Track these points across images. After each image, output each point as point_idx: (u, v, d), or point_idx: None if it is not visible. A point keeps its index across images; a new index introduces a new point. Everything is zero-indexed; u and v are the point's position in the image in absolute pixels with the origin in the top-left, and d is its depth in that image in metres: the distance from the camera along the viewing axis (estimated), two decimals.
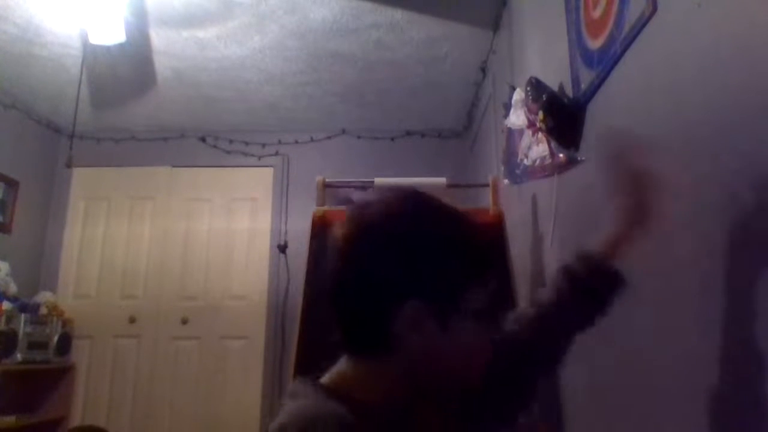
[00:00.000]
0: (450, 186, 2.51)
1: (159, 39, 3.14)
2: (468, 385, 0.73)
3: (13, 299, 3.54)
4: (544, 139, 1.65)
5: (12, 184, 3.91)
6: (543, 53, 2.03)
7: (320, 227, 2.09)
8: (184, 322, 4.05)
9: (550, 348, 0.90)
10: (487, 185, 2.41)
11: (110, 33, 2.65)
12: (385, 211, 0.70)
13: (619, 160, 0.88)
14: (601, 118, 1.44)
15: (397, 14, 2.92)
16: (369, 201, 0.73)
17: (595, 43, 1.42)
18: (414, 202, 0.72)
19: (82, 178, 4.30)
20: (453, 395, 0.77)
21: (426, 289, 0.66)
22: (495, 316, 0.72)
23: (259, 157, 4.34)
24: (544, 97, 1.61)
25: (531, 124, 1.72)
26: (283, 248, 4.03)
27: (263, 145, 4.35)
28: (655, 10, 1.10)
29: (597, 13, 1.40)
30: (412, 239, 0.68)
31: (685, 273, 1.00)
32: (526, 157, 1.77)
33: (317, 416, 0.64)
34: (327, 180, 2.35)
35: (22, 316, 3.44)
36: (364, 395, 0.69)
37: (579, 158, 1.53)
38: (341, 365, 0.73)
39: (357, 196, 0.76)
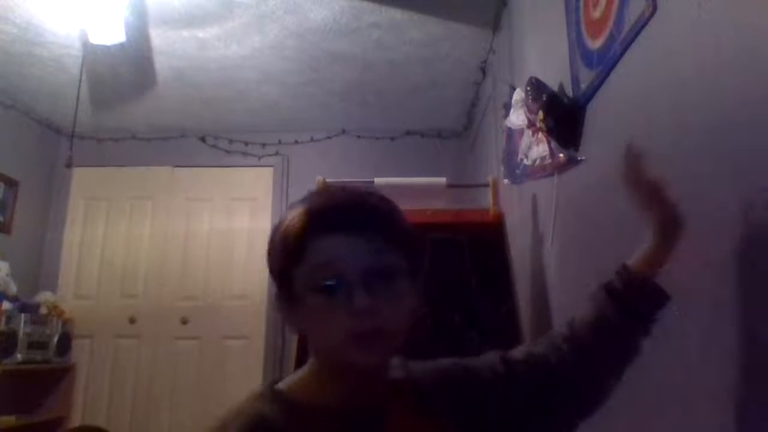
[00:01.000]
0: (450, 186, 2.52)
1: (159, 39, 3.13)
2: (351, 364, 0.70)
3: (13, 299, 3.54)
4: (544, 139, 1.64)
5: (12, 184, 3.91)
6: (543, 53, 2.03)
7: None
8: (184, 322, 4.05)
9: (587, 374, 0.83)
10: (487, 185, 2.41)
11: (110, 33, 2.65)
12: None
13: (643, 174, 0.83)
14: (601, 118, 1.44)
15: (397, 14, 2.92)
16: None
17: (595, 43, 1.42)
18: (293, 203, 0.77)
19: (82, 178, 4.30)
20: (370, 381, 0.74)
21: (275, 282, 0.75)
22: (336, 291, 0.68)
23: (259, 157, 4.34)
24: (544, 97, 1.61)
25: (531, 124, 1.72)
26: None
27: (263, 145, 4.35)
28: (655, 10, 1.10)
29: (597, 13, 1.40)
30: (268, 241, 0.76)
31: (685, 273, 1.00)
32: (526, 157, 1.77)
33: (238, 416, 0.71)
34: (327, 180, 2.35)
35: (22, 316, 3.44)
36: (312, 397, 0.73)
37: (579, 158, 1.53)
38: (303, 366, 0.78)
39: None
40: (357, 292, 0.67)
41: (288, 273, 0.71)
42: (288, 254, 0.71)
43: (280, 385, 0.76)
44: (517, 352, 0.86)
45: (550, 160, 1.63)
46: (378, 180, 2.36)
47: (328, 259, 0.69)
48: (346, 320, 0.67)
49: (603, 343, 0.83)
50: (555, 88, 1.68)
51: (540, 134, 1.66)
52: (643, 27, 1.15)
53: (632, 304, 0.82)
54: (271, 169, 4.34)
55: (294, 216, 0.72)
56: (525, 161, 1.78)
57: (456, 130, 4.31)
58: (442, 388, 0.79)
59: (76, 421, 3.83)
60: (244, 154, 4.35)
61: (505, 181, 2.12)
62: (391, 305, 0.69)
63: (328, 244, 0.70)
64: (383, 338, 0.69)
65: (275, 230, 0.75)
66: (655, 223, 0.84)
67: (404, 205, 0.78)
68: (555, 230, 1.80)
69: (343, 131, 4.34)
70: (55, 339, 3.68)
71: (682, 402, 1.01)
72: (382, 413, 0.74)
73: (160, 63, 3.39)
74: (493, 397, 0.80)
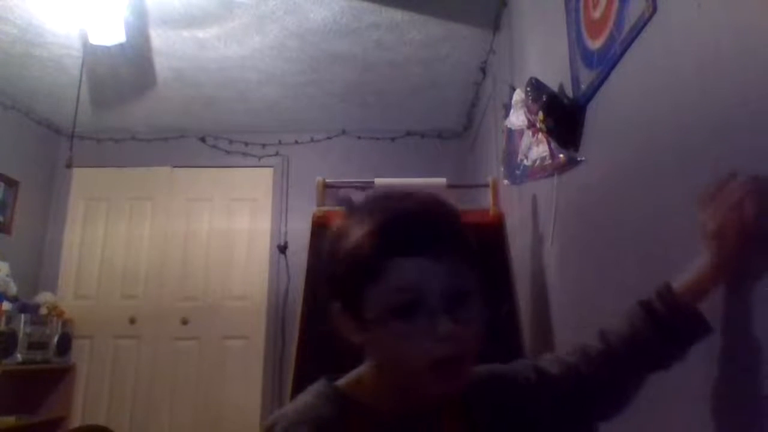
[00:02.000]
0: (450, 186, 2.51)
1: (159, 39, 3.14)
2: (429, 391, 0.68)
3: (13, 299, 3.54)
4: (544, 139, 1.65)
5: (12, 184, 3.91)
6: (543, 53, 2.03)
7: (320, 227, 2.09)
8: (184, 322, 4.04)
9: (615, 387, 0.83)
10: (487, 185, 2.41)
11: (110, 33, 2.65)
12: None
13: (729, 206, 0.76)
14: (601, 119, 1.44)
15: (397, 15, 2.92)
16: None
17: (595, 44, 1.42)
18: (355, 207, 0.74)
19: (82, 178, 4.30)
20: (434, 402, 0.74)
21: (335, 293, 0.72)
22: (424, 320, 0.66)
23: (259, 158, 4.34)
24: (544, 98, 1.61)
25: (531, 125, 1.72)
26: (283, 248, 4.03)
27: (263, 146, 4.35)
28: (655, 10, 1.10)
29: (597, 14, 1.40)
30: (327, 247, 0.74)
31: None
32: (526, 157, 1.77)
33: (304, 415, 0.70)
34: (327, 180, 2.34)
35: (22, 316, 3.44)
36: (372, 399, 0.72)
37: (579, 158, 1.53)
38: (363, 366, 0.76)
39: (357, 196, 0.77)
40: (440, 318, 0.65)
41: (358, 290, 0.68)
42: (362, 272, 0.68)
43: (341, 384, 0.75)
44: (548, 362, 0.85)
45: (550, 161, 1.63)
46: (378, 180, 2.36)
47: (409, 283, 0.66)
48: (428, 347, 0.65)
49: (636, 362, 0.82)
50: (555, 89, 1.68)
51: (540, 135, 1.66)
52: (643, 27, 1.15)
53: (673, 329, 0.79)
54: (271, 169, 4.34)
55: (368, 231, 0.68)
56: (525, 162, 1.78)
57: (456, 131, 4.31)
58: (484, 398, 0.79)
59: (76, 421, 3.82)
60: (244, 154, 4.35)
61: (505, 181, 2.12)
62: (468, 330, 0.68)
63: (408, 267, 0.66)
64: (462, 365, 0.68)
65: (338, 242, 0.71)
66: (717, 247, 0.77)
67: None
68: (555, 230, 1.80)
69: (343, 132, 4.35)
70: (55, 339, 3.68)
71: (680, 401, 1.01)
72: (435, 421, 0.74)
73: (160, 63, 3.39)
74: (527, 406, 0.80)
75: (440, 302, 0.66)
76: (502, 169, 2.18)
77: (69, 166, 3.22)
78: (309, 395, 0.73)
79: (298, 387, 1.19)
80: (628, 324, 0.82)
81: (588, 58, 1.47)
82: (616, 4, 1.27)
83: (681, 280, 0.81)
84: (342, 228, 0.72)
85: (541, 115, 1.60)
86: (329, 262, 0.73)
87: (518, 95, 1.84)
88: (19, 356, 3.36)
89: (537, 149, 1.69)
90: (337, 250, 0.71)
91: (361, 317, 0.69)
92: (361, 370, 0.76)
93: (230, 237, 4.18)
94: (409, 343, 0.66)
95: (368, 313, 0.68)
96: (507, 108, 1.99)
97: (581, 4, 1.51)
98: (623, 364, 0.82)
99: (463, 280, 0.69)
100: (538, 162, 1.69)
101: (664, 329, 0.79)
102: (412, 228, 0.68)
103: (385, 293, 0.67)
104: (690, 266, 0.82)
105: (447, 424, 0.75)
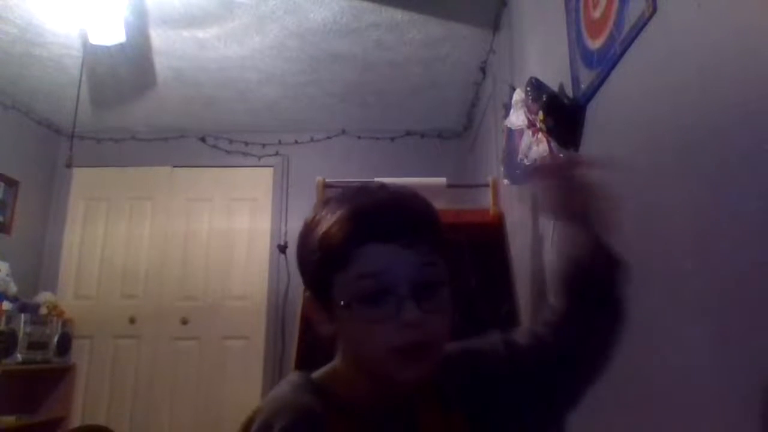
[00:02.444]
0: (450, 186, 2.52)
1: (159, 39, 3.14)
2: (395, 379, 0.68)
3: (13, 299, 3.54)
4: (544, 139, 1.65)
5: (12, 184, 3.91)
6: (543, 53, 2.03)
7: None
8: (184, 322, 4.04)
9: (581, 349, 0.83)
10: (487, 185, 2.41)
11: (110, 33, 2.65)
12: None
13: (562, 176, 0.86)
14: (601, 119, 1.44)
15: (397, 14, 2.92)
16: None
17: (595, 44, 1.42)
18: (328, 200, 0.75)
19: (82, 178, 4.30)
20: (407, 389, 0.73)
21: (307, 282, 0.74)
22: (387, 307, 0.66)
23: (259, 158, 4.34)
24: (544, 97, 1.61)
25: (531, 124, 1.72)
26: (283, 248, 4.02)
27: (263, 145, 4.35)
28: (655, 10, 1.10)
29: (597, 14, 1.40)
30: (300, 236, 0.75)
31: (685, 273, 1.00)
32: (526, 157, 1.77)
33: (285, 406, 0.69)
34: (327, 180, 2.35)
35: (22, 316, 3.44)
36: (347, 391, 0.72)
37: None
38: (335, 360, 0.76)
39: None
40: (406, 304, 0.65)
41: (328, 278, 0.69)
42: (331, 260, 0.68)
43: (315, 375, 0.75)
44: (518, 334, 0.85)
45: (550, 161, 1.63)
46: (378, 180, 2.36)
47: (377, 269, 0.67)
48: (393, 333, 0.65)
49: (587, 316, 0.83)
50: (555, 88, 1.68)
51: (540, 134, 1.66)
52: (643, 27, 1.15)
53: (596, 268, 0.83)
54: (271, 169, 4.34)
55: (337, 219, 0.69)
56: (525, 161, 1.78)
57: (456, 130, 4.31)
58: (455, 377, 0.79)
59: (76, 421, 3.82)
60: (244, 154, 4.35)
61: (505, 181, 2.12)
62: (436, 319, 0.68)
63: (376, 253, 0.67)
64: (429, 353, 0.68)
65: (310, 230, 0.72)
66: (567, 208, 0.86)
67: None
68: (555, 230, 1.80)
69: (343, 131, 4.34)
70: (55, 339, 3.68)
71: (680, 400, 1.01)
72: (410, 408, 0.74)
73: (160, 63, 3.39)
74: (498, 379, 0.80)
75: (408, 289, 0.66)
76: (502, 169, 2.19)
77: (69, 166, 3.22)
78: (285, 387, 0.73)
79: None
80: (563, 286, 0.85)
81: (588, 58, 1.47)
82: (616, 4, 1.28)
83: (568, 251, 0.86)
84: (315, 218, 0.73)
85: (541, 114, 1.61)
86: (302, 250, 0.74)
87: (518, 95, 1.84)
88: (19, 356, 3.36)
89: (537, 149, 1.69)
90: (309, 239, 0.72)
91: (331, 306, 0.70)
92: (335, 363, 0.76)
93: (230, 237, 4.18)
94: (375, 330, 0.66)
95: (337, 301, 0.69)
96: (507, 108, 1.99)
97: (581, 4, 1.51)
98: (578, 322, 0.83)
99: (433, 270, 0.69)
100: (538, 162, 1.69)
101: (589, 271, 0.82)
102: (383, 215, 0.69)
103: (354, 280, 0.67)
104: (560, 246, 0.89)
105: (422, 410, 0.75)
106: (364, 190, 0.74)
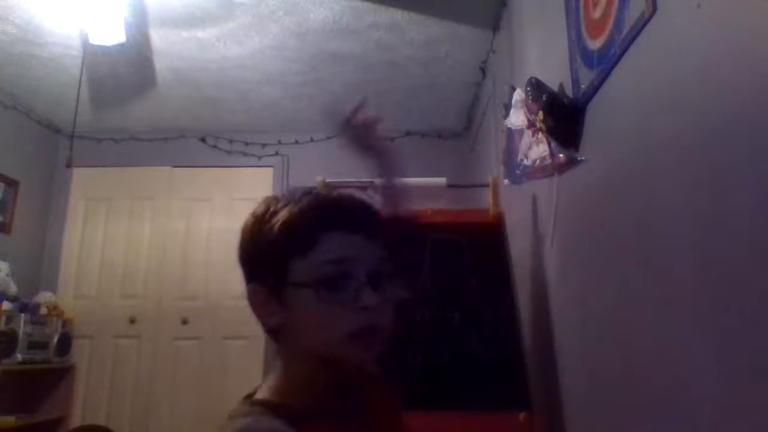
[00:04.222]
0: (450, 186, 2.52)
1: (159, 39, 3.14)
2: (349, 361, 0.71)
3: (13, 299, 3.54)
4: (544, 139, 1.65)
5: (12, 184, 3.91)
6: (543, 53, 2.03)
7: None
8: (184, 322, 4.04)
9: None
10: (487, 185, 2.41)
11: (110, 33, 2.65)
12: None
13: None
14: (601, 118, 1.44)
15: (397, 15, 2.92)
16: None
17: (595, 44, 1.42)
18: (276, 198, 0.77)
19: (82, 178, 4.30)
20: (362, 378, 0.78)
21: (254, 273, 0.75)
22: (341, 286, 0.69)
23: (259, 158, 4.34)
24: (544, 97, 1.61)
25: (531, 124, 1.72)
26: None
27: (263, 146, 4.35)
28: (655, 10, 1.10)
29: (597, 14, 1.40)
30: (248, 227, 0.77)
31: (684, 272, 1.00)
32: (526, 157, 1.77)
33: None
34: (327, 180, 2.35)
35: (22, 316, 3.44)
36: (294, 398, 0.71)
37: (579, 158, 1.53)
38: (271, 374, 0.76)
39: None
40: (366, 290, 0.69)
41: (285, 265, 0.71)
42: (292, 245, 0.71)
43: (261, 397, 0.73)
44: None
45: (550, 161, 1.63)
46: (378, 180, 2.36)
47: (341, 256, 0.70)
48: (352, 316, 0.69)
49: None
50: (555, 88, 1.68)
51: (540, 134, 1.66)
52: (643, 27, 1.15)
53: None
54: (271, 169, 4.34)
55: (302, 207, 0.72)
56: (525, 161, 1.78)
57: (456, 131, 4.31)
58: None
59: (76, 421, 3.83)
60: (244, 154, 4.36)
61: (505, 181, 2.12)
62: (388, 306, 0.72)
63: (344, 241, 0.71)
64: (381, 337, 0.71)
65: (264, 221, 0.73)
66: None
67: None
68: (555, 230, 1.80)
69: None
70: (55, 339, 3.68)
71: (680, 399, 1.01)
72: (368, 406, 0.77)
73: (160, 63, 3.39)
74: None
75: (368, 277, 0.70)
76: (502, 169, 2.19)
77: (69, 165, 3.22)
78: (240, 420, 0.69)
79: None
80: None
81: (588, 57, 1.47)
82: (616, 4, 1.27)
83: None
84: (268, 210, 0.74)
85: (541, 114, 1.60)
86: (253, 240, 0.75)
87: (518, 95, 1.84)
88: (19, 356, 3.36)
89: (537, 149, 1.69)
90: (264, 228, 0.73)
91: (283, 294, 0.71)
92: (275, 376, 0.75)
93: (230, 237, 4.08)
94: (334, 312, 0.69)
95: (292, 289, 0.70)
96: (507, 108, 1.98)
97: (581, 4, 1.51)
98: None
99: (387, 263, 0.74)
100: (538, 162, 1.69)
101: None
102: (349, 207, 0.75)
103: (316, 264, 0.70)
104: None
105: (379, 404, 0.79)
106: (312, 190, 0.77)
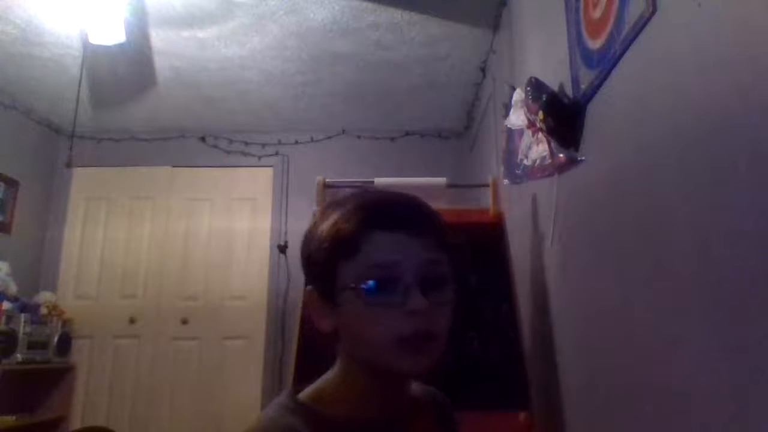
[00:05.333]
0: (450, 186, 2.51)
1: (159, 39, 3.14)
2: (397, 368, 0.68)
3: (13, 299, 3.54)
4: (544, 139, 1.64)
5: (12, 184, 3.91)
6: (543, 53, 2.03)
7: None
8: (184, 322, 4.05)
9: None
10: (487, 185, 2.41)
11: (110, 33, 2.65)
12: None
13: None
14: (601, 118, 1.44)
15: (397, 14, 2.92)
16: None
17: (595, 43, 1.42)
18: (333, 200, 0.77)
19: (82, 178, 4.30)
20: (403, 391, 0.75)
21: (310, 276, 0.74)
22: (396, 291, 0.67)
23: (259, 157, 4.34)
24: (544, 97, 1.61)
25: (531, 124, 1.72)
26: (283, 248, 4.03)
27: (263, 145, 4.35)
28: (655, 10, 1.10)
29: (597, 13, 1.40)
30: (307, 231, 0.76)
31: (684, 272, 1.00)
32: (526, 157, 1.77)
33: (266, 429, 0.68)
34: (327, 180, 2.34)
35: (22, 316, 3.44)
36: (334, 408, 0.70)
37: (579, 158, 1.53)
38: (326, 374, 0.75)
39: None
40: (413, 293, 0.66)
41: (334, 268, 0.69)
42: (340, 248, 0.69)
43: (303, 396, 0.73)
44: None
45: (550, 160, 1.63)
46: (378, 180, 2.36)
47: (387, 258, 0.67)
48: (399, 320, 0.66)
49: None
50: (555, 88, 1.68)
51: (540, 134, 1.66)
52: (643, 27, 1.15)
53: None
54: (271, 169, 4.34)
55: (346, 210, 0.71)
56: (525, 161, 1.78)
57: (456, 130, 4.31)
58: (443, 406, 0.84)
59: (76, 421, 3.82)
60: (244, 154, 4.36)
61: (505, 181, 2.12)
62: (440, 311, 0.68)
63: (386, 242, 0.68)
64: (431, 344, 0.68)
65: (317, 225, 0.73)
66: None
67: None
68: (555, 230, 1.80)
69: (343, 131, 4.35)
70: (55, 339, 3.68)
71: (680, 399, 1.01)
72: (406, 427, 0.74)
73: (160, 63, 3.39)
74: None
75: (414, 279, 0.67)
76: (502, 168, 2.19)
77: (69, 165, 3.22)
78: (271, 410, 0.71)
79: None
80: None
81: (588, 57, 1.47)
82: (616, 4, 1.28)
83: None
84: (323, 213, 0.74)
85: (541, 114, 1.60)
86: (308, 244, 0.74)
87: (518, 95, 1.84)
88: (19, 356, 3.36)
89: (537, 149, 1.69)
90: (317, 231, 0.72)
91: (334, 298, 0.70)
92: (326, 378, 0.75)
93: (230, 237, 4.18)
94: (381, 316, 0.66)
95: (341, 292, 0.69)
96: (507, 108, 1.99)
97: (581, 3, 1.52)
98: None
99: (441, 266, 0.70)
100: (538, 162, 1.69)
101: None
102: (389, 205, 0.72)
103: (361, 268, 0.67)
104: None
105: (419, 429, 0.76)
106: (369, 189, 0.77)
